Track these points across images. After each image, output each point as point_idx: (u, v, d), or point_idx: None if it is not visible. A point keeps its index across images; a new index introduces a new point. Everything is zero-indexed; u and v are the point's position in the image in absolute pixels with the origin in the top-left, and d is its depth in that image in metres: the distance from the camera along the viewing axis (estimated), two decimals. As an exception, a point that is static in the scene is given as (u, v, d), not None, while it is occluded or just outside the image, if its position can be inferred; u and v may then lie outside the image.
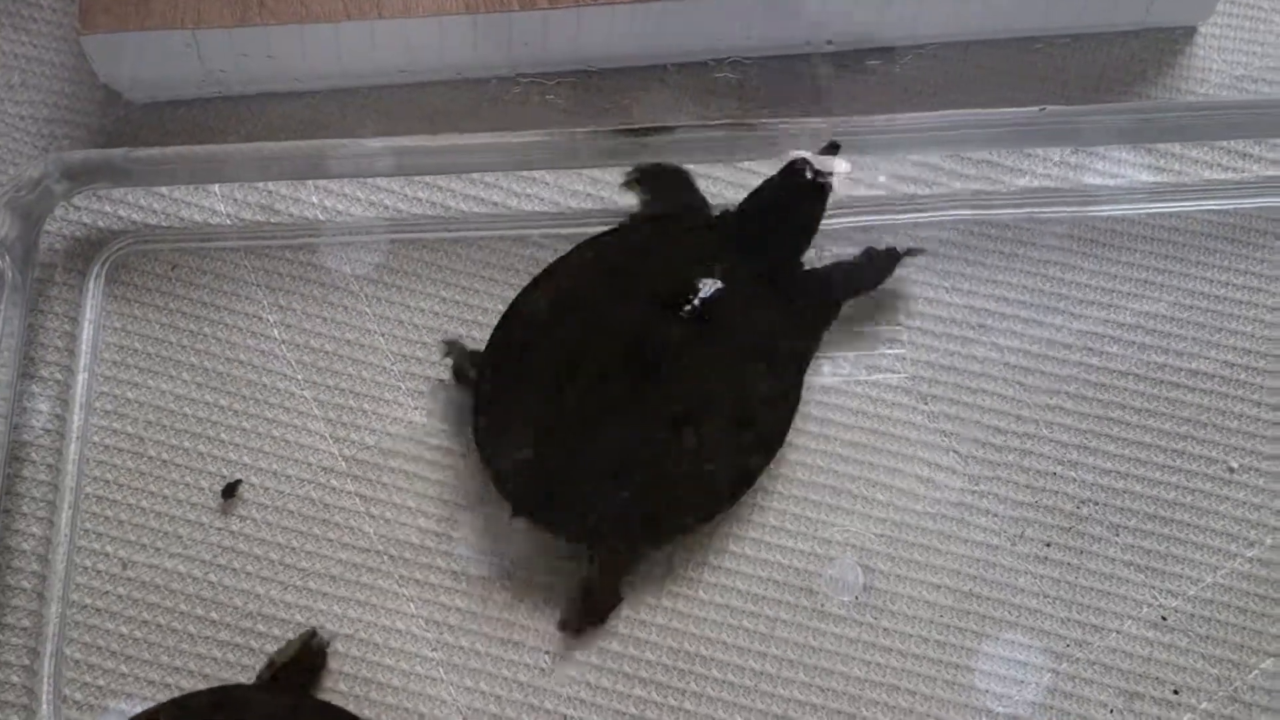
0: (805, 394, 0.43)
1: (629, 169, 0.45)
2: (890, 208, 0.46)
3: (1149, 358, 0.44)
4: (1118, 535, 0.42)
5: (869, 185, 0.46)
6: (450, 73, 0.48)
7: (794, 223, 0.44)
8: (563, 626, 0.41)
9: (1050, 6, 0.48)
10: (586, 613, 0.41)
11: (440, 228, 0.46)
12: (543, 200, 0.47)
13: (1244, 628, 0.41)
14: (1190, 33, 0.50)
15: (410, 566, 0.42)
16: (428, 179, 0.47)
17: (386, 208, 0.47)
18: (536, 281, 0.43)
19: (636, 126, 0.45)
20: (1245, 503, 0.42)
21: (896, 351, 0.44)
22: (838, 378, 0.44)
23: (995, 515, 0.42)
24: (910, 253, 0.44)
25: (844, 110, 0.48)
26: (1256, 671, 0.40)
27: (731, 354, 0.41)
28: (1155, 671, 0.40)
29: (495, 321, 0.44)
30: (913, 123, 0.46)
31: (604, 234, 0.44)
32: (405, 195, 0.47)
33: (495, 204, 0.47)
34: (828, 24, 0.48)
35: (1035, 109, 0.46)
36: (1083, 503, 0.42)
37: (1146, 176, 0.47)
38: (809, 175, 0.43)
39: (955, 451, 0.43)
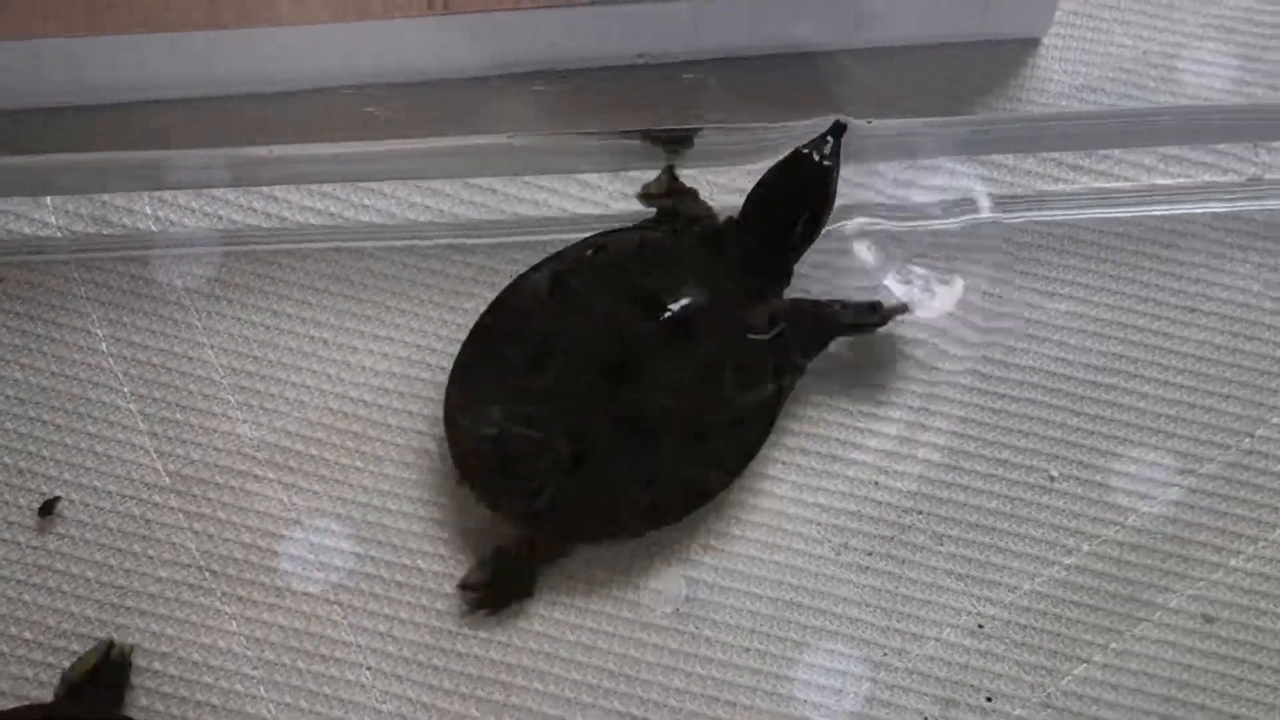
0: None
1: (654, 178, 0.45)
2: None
3: (972, 367, 0.44)
4: (940, 544, 0.42)
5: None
6: (307, 83, 0.48)
7: (800, 212, 0.43)
8: (463, 586, 0.41)
9: (888, 17, 0.49)
10: (493, 588, 0.41)
11: (276, 240, 0.46)
12: (380, 211, 0.47)
13: (1059, 634, 0.41)
14: (1033, 44, 0.50)
15: (233, 583, 0.41)
16: (265, 190, 0.46)
17: (222, 219, 0.46)
18: (540, 266, 0.44)
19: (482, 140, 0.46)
20: (1064, 510, 0.43)
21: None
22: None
23: (819, 524, 0.42)
24: (903, 309, 0.43)
25: (675, 120, 0.48)
26: (1069, 678, 0.41)
27: (706, 368, 0.42)
28: (971, 679, 0.41)
29: (331, 337, 0.44)
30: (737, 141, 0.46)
31: (612, 231, 0.45)
32: (242, 206, 0.46)
33: (333, 215, 0.47)
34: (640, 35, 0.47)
35: (864, 121, 0.47)
36: (906, 511, 0.43)
37: (979, 188, 0.47)
38: (815, 159, 0.43)
39: (781, 460, 0.43)
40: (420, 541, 0.42)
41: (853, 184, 0.47)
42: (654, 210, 0.45)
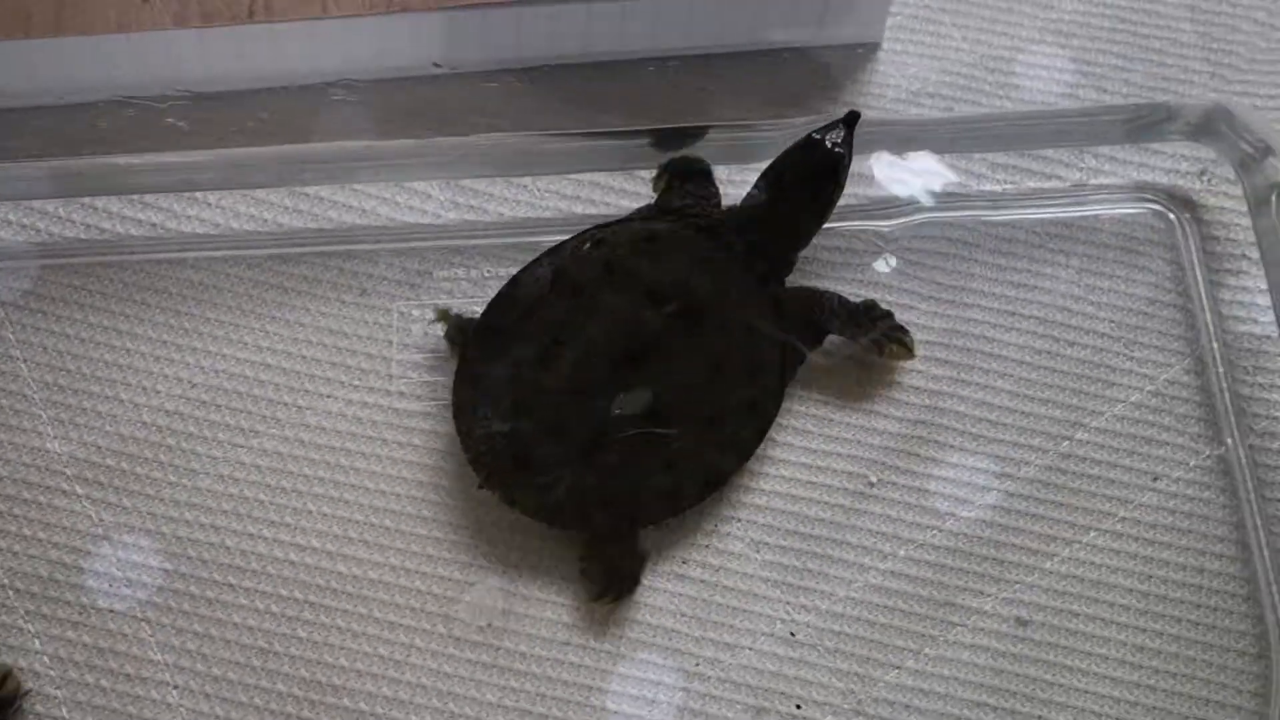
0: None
1: (661, 163, 0.45)
2: (558, 227, 0.45)
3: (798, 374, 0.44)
4: (758, 552, 0.42)
5: (530, 206, 0.46)
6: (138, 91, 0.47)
7: (809, 199, 0.43)
8: (597, 599, 0.41)
9: (725, 24, 0.48)
10: (610, 581, 0.41)
11: (94, 252, 0.45)
12: (203, 221, 0.46)
13: (873, 641, 0.41)
14: (873, 49, 0.51)
15: (36, 601, 0.40)
16: (84, 201, 0.46)
17: (39, 230, 0.45)
18: (539, 260, 0.44)
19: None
20: (882, 516, 0.43)
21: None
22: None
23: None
24: (900, 331, 0.43)
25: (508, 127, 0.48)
26: (882, 684, 0.41)
27: (712, 356, 0.42)
28: (782, 687, 0.41)
29: (148, 349, 0.43)
30: (577, 142, 0.45)
31: (610, 224, 0.45)
32: (59, 218, 0.46)
33: (154, 225, 0.46)
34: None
35: (708, 128, 0.46)
36: (724, 520, 0.43)
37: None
38: (828, 145, 0.43)
39: (604, 471, 0.44)
40: (233, 556, 0.41)
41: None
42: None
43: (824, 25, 0.49)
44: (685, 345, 0.42)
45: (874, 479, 0.43)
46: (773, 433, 0.43)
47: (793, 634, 0.41)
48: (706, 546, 0.42)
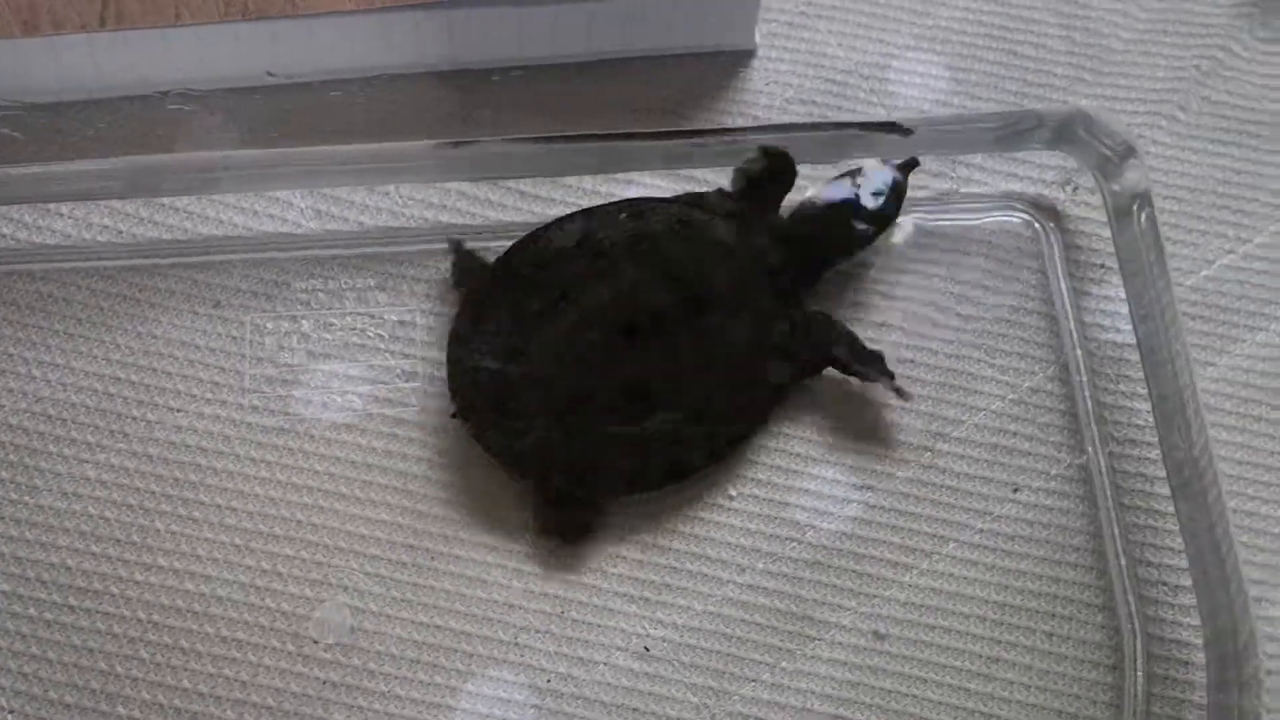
0: (316, 430, 0.42)
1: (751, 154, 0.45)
2: (422, 237, 0.45)
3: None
4: (615, 566, 0.42)
5: (391, 214, 0.45)
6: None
7: (847, 233, 0.44)
8: (543, 532, 0.41)
9: (592, 32, 0.48)
10: (563, 521, 0.41)
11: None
12: (55, 232, 0.44)
13: (730, 655, 0.41)
14: (748, 55, 0.50)
15: None
16: (-67, 211, 0.45)
17: (-117, 242, 0.45)
18: (572, 216, 0.44)
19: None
20: (741, 529, 0.42)
21: (411, 385, 0.44)
22: (349, 413, 0.43)
23: (495, 549, 0.41)
24: (899, 392, 0.42)
25: (380, 137, 0.47)
26: (737, 698, 0.40)
27: (710, 350, 0.42)
28: (635, 702, 0.40)
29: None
30: (446, 150, 0.45)
31: (648, 199, 0.45)
32: (-95, 228, 0.45)
33: (4, 236, 0.44)
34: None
35: (573, 137, 0.46)
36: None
37: (677, 202, 0.48)
38: (878, 210, 0.43)
39: (464, 485, 0.43)
40: (74, 576, 0.40)
41: (552, 200, 0.47)
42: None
43: (692, 32, 0.49)
44: (687, 333, 0.42)
45: (733, 492, 0.43)
46: (631, 445, 0.43)
47: (647, 649, 0.41)
48: (565, 563, 0.42)
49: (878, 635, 0.41)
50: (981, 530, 0.43)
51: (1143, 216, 0.43)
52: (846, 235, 0.44)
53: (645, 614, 0.41)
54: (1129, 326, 0.44)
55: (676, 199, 0.45)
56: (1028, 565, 0.42)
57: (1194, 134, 0.49)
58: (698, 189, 0.45)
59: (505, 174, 0.47)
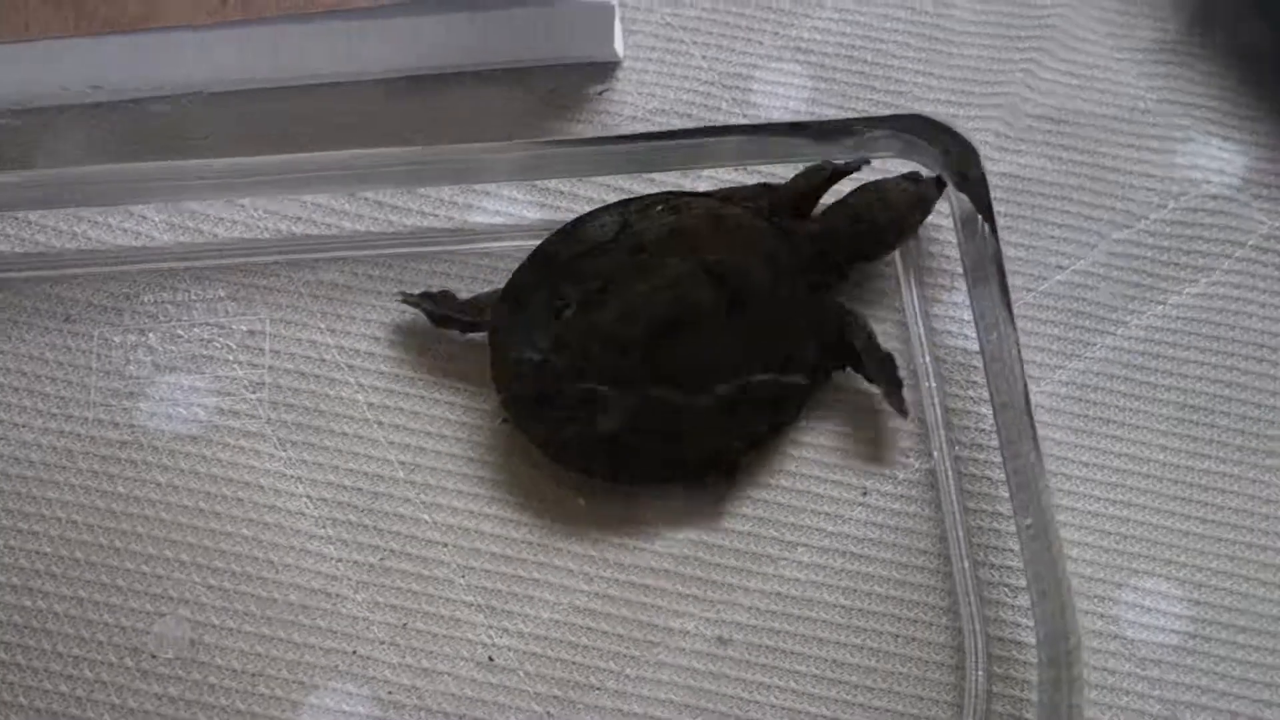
0: (160, 442, 0.42)
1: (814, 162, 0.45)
2: (275, 248, 0.45)
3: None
4: (464, 576, 0.42)
5: (246, 226, 0.45)
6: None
7: (871, 247, 0.45)
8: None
9: (451, 44, 0.48)
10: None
11: None
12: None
13: (574, 663, 0.41)
14: (612, 67, 0.50)
15: None
16: None
17: None
18: (608, 208, 0.45)
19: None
20: (591, 537, 0.42)
21: (258, 395, 0.43)
22: (194, 425, 0.43)
23: (340, 560, 0.42)
24: (898, 405, 0.43)
25: (240, 150, 0.47)
26: (580, 706, 0.40)
27: (748, 343, 0.43)
28: (479, 712, 0.40)
29: None
30: (303, 162, 0.44)
31: (684, 193, 0.45)
32: None
33: None
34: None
35: (428, 148, 0.46)
36: (431, 544, 0.42)
37: (533, 214, 0.47)
38: (928, 190, 0.45)
39: (308, 497, 0.42)
40: (-89, 593, 0.41)
41: (409, 210, 0.47)
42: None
43: (554, 44, 0.49)
44: (725, 326, 0.43)
45: (583, 500, 0.43)
46: (478, 453, 0.43)
47: (491, 659, 0.41)
48: (413, 574, 0.42)
49: (721, 641, 0.42)
50: (831, 534, 0.43)
51: (985, 225, 0.44)
52: (880, 233, 0.44)
53: (490, 623, 0.41)
54: (975, 333, 0.45)
55: (710, 194, 0.46)
56: (875, 569, 0.43)
57: (1045, 142, 0.49)
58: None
59: (365, 186, 0.47)
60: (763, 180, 0.47)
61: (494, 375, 0.43)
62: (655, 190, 0.47)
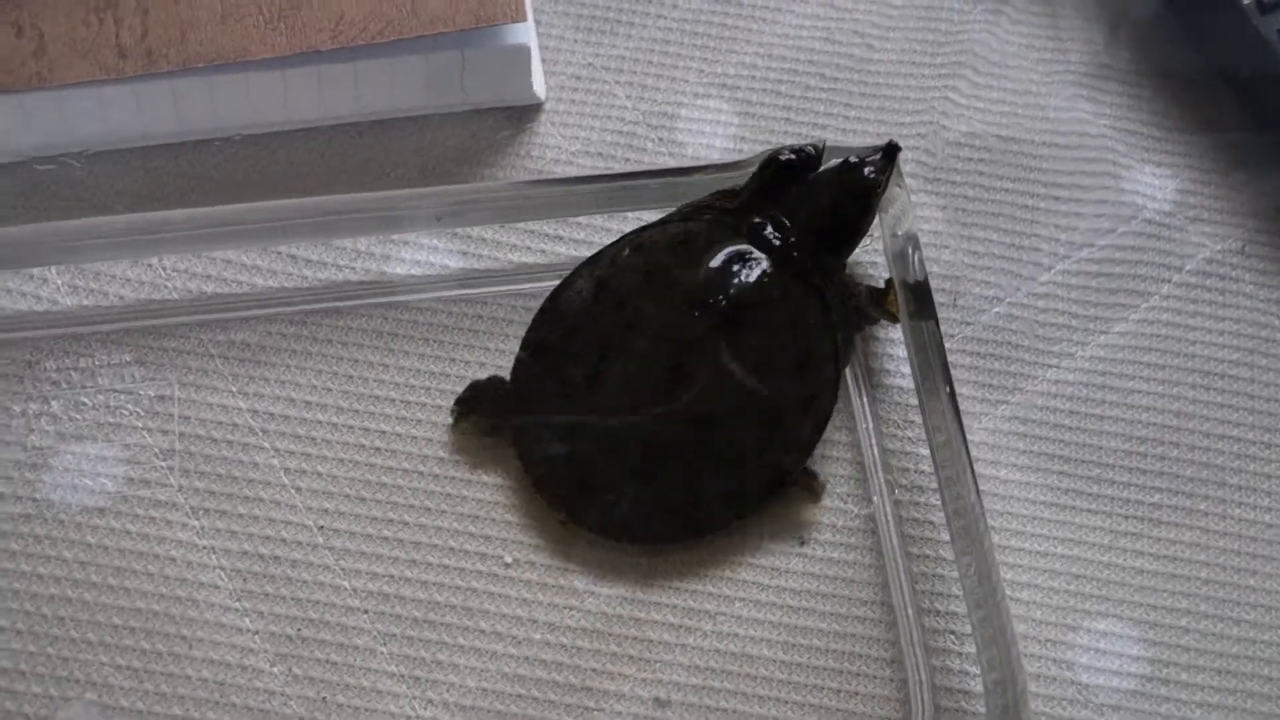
0: (65, 515, 0.40)
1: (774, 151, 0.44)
2: (183, 308, 0.43)
3: (430, 452, 0.42)
4: (386, 645, 0.40)
5: (153, 286, 0.44)
6: None
7: (840, 224, 0.43)
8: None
9: (361, 93, 0.46)
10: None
11: None
12: None
13: (505, 731, 0.40)
14: (535, 110, 0.49)
15: None
16: None
17: None
18: (579, 272, 0.43)
19: None
20: (518, 598, 0.41)
21: (168, 463, 0.42)
22: (102, 496, 0.41)
23: (256, 633, 0.40)
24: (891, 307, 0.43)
25: (147, 206, 0.46)
26: (511, 777, 0.39)
27: (762, 354, 0.41)
28: (403, 790, 0.39)
29: None
30: (211, 217, 0.43)
31: (647, 227, 0.44)
32: None
33: None
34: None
35: (343, 197, 0.45)
36: (351, 611, 0.40)
37: (454, 263, 0.46)
38: (864, 173, 0.43)
39: (221, 568, 0.41)
40: None
41: (324, 264, 0.46)
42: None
43: (470, 89, 0.48)
44: (732, 347, 0.41)
45: (509, 559, 0.41)
46: (399, 514, 0.41)
47: (417, 731, 0.39)
48: (331, 643, 0.40)
49: (659, 703, 0.40)
50: (768, 588, 0.41)
51: (916, 258, 0.43)
52: (833, 211, 0.42)
53: (415, 694, 0.39)
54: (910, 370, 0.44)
55: (671, 217, 0.44)
56: (815, 621, 0.41)
57: (977, 170, 0.48)
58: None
59: (276, 240, 0.45)
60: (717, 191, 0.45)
61: (533, 485, 0.41)
62: (582, 234, 0.46)
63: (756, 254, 0.42)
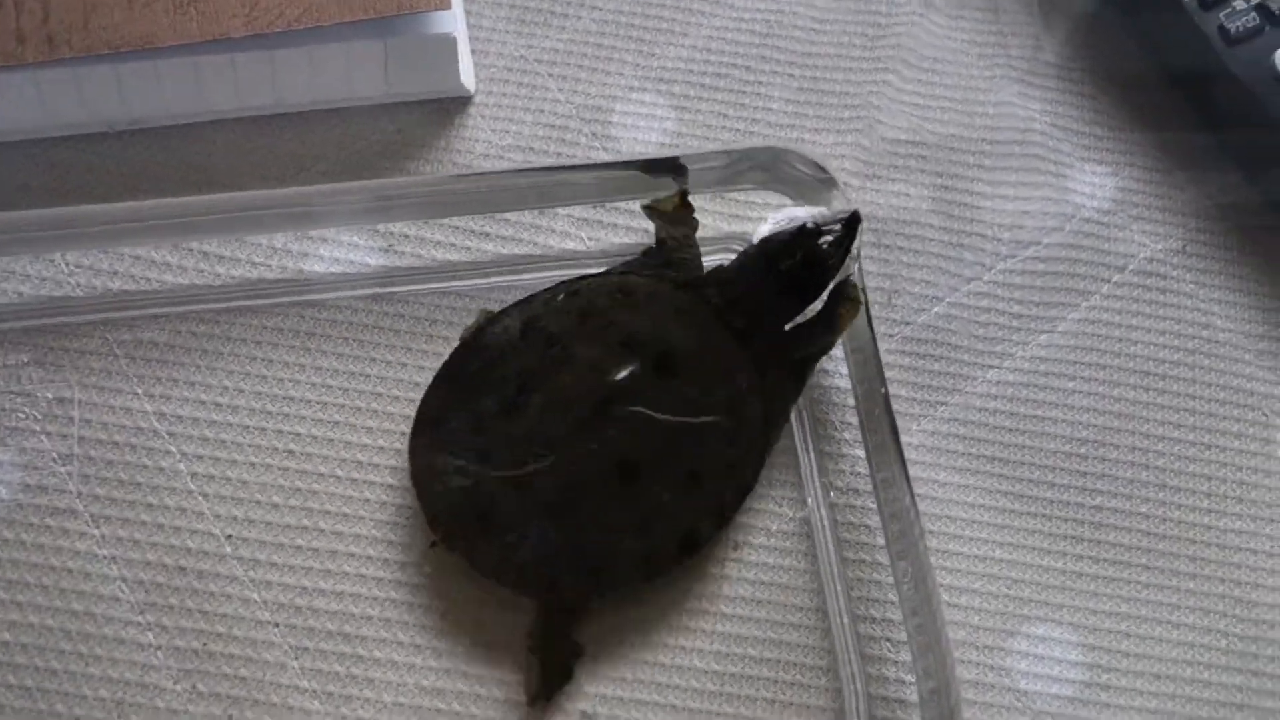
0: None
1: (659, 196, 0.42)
2: (87, 306, 0.41)
3: (348, 455, 0.40)
4: (297, 659, 0.38)
5: (55, 283, 0.41)
6: None
7: (791, 292, 0.41)
8: (532, 701, 0.37)
9: (279, 83, 0.44)
10: (547, 677, 0.38)
11: None
12: None
13: (422, 749, 0.38)
14: (464, 102, 0.47)
15: None
16: None
17: None
18: (507, 312, 0.41)
19: None
20: (437, 610, 0.39)
21: (67, 469, 0.39)
22: (-3, 504, 0.40)
23: (159, 649, 0.38)
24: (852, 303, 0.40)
25: (50, 201, 0.44)
26: (429, 798, 0.38)
27: (690, 408, 0.39)
28: (314, 812, 0.37)
29: None
30: (118, 212, 0.41)
31: (585, 276, 0.42)
32: None
33: None
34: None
35: (259, 192, 0.43)
36: (260, 624, 0.38)
37: (375, 260, 0.44)
38: (820, 247, 0.41)
39: (123, 579, 0.38)
40: None
41: (238, 260, 0.44)
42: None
43: (394, 80, 0.46)
44: (661, 396, 0.39)
45: (429, 569, 0.39)
46: (313, 521, 0.39)
47: (329, 750, 0.38)
48: (242, 658, 0.38)
49: (586, 716, 0.38)
50: (700, 594, 0.40)
51: (854, 267, 0.42)
52: (783, 278, 0.41)
53: (328, 710, 0.37)
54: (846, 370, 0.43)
55: (608, 271, 0.42)
56: (749, 629, 0.40)
57: (916, 169, 0.47)
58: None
59: (189, 236, 0.43)
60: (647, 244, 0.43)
61: (427, 519, 0.39)
62: (510, 230, 0.45)
63: (698, 309, 0.41)
